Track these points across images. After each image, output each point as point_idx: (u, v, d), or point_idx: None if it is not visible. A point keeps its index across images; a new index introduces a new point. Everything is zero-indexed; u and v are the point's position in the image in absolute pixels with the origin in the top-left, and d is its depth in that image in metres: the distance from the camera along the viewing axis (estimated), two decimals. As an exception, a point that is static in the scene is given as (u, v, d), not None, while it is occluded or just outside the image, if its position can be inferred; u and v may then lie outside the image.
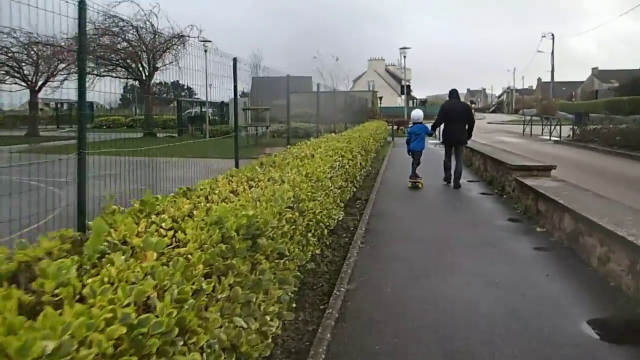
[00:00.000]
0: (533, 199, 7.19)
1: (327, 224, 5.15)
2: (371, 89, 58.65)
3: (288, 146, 8.05)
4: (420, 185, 9.98)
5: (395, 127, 29.87)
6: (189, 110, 32.67)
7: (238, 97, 8.20)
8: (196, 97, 36.73)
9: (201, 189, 3.41)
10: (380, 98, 54.61)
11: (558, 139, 22.62)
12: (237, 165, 6.89)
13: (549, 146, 20.72)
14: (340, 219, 6.18)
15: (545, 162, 9.52)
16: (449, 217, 7.51)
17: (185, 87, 40.95)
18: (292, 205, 3.46)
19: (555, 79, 66.24)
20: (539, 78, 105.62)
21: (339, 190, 6.41)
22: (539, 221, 6.76)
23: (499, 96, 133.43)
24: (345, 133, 10.39)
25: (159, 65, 27.49)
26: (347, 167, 6.91)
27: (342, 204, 6.80)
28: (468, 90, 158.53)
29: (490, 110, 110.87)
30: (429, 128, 10.62)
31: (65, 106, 40.83)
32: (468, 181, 11.04)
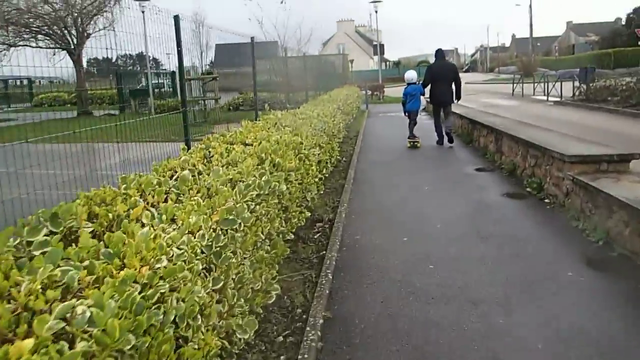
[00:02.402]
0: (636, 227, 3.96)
1: None
2: (342, 52, 54.43)
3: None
4: (418, 145, 10.21)
5: (369, 92, 26.37)
6: (142, 84, 28.46)
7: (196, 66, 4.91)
8: (163, 68, 32.24)
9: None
10: (351, 61, 50.75)
11: (558, 99, 19.52)
12: (188, 147, 4.87)
13: (552, 108, 17.58)
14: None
15: (595, 139, 6.31)
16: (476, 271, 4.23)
17: (151, 58, 36.12)
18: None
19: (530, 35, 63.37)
20: (513, 34, 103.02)
21: (267, 244, 3.07)
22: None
23: (472, 55, 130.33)
24: (298, 111, 6.96)
25: (90, 31, 23.19)
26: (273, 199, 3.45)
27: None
28: (439, 48, 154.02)
29: (464, 69, 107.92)
30: (421, 87, 10.57)
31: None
32: (476, 169, 7.78)
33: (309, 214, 4.54)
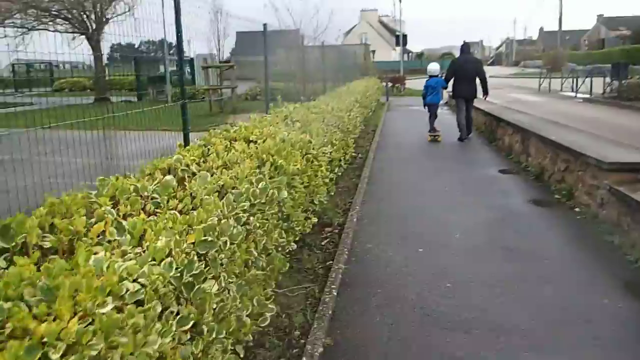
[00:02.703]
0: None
1: None
2: (364, 43, 53.61)
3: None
4: (439, 139, 10.00)
5: (390, 84, 25.77)
6: (161, 71, 28.29)
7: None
8: (187, 56, 32.03)
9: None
10: (373, 52, 49.99)
11: (587, 96, 18.68)
12: (186, 143, 4.48)
13: (581, 106, 16.81)
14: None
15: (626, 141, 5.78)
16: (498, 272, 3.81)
17: (173, 45, 35.81)
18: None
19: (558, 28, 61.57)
20: (541, 27, 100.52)
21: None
22: None
23: (497, 48, 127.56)
24: (312, 104, 6.54)
25: (109, 15, 23.05)
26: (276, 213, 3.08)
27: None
28: (464, 42, 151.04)
29: (488, 62, 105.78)
30: (444, 81, 10.34)
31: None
32: (500, 171, 7.30)
33: (316, 219, 4.17)
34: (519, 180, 6.79)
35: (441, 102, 10.48)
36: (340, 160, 5.77)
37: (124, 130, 4.90)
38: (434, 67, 10.42)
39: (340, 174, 6.25)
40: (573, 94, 20.41)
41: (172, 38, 4.92)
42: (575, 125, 8.66)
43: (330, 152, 4.85)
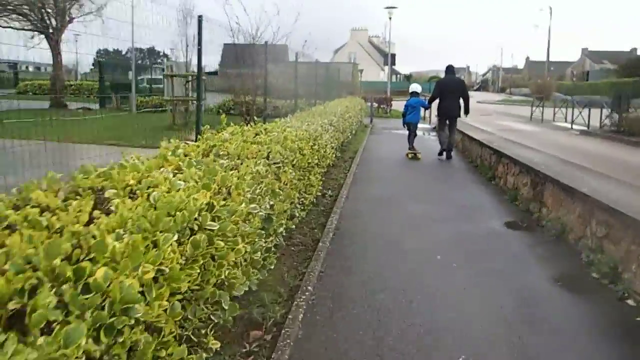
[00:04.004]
0: None
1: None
2: (353, 62, 52.36)
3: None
4: (419, 157, 10.23)
5: (375, 105, 24.27)
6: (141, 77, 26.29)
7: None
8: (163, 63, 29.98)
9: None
10: (361, 71, 48.81)
11: (584, 128, 17.34)
12: None
13: (580, 139, 15.36)
14: None
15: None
16: None
17: (162, 52, 33.67)
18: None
19: (544, 59, 61.49)
20: (527, 57, 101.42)
21: None
22: None
23: (484, 74, 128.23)
24: (266, 127, 4.82)
25: (74, 15, 21.16)
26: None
27: None
28: (449, 64, 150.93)
29: (475, 88, 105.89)
30: (425, 101, 11.22)
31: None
32: (506, 224, 5.66)
33: (232, 319, 2.42)
34: (533, 240, 5.13)
35: (428, 126, 11.36)
36: (287, 213, 4.02)
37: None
38: (416, 86, 11.18)
39: (293, 226, 4.52)
40: (567, 125, 19.11)
41: (141, 42, 3.46)
42: (579, 162, 7.17)
43: (269, 208, 3.12)
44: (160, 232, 1.80)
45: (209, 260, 2.08)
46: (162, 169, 2.58)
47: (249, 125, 4.79)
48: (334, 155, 7.83)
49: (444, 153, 10.25)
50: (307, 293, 3.44)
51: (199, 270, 1.94)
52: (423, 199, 6.88)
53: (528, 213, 6.10)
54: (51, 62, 21.53)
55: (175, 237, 1.82)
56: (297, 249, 4.45)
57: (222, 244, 2.13)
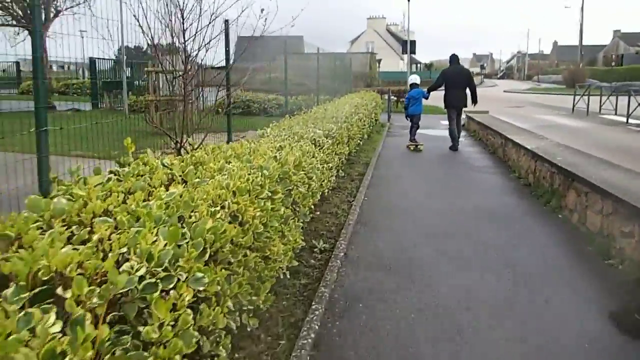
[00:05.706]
0: None
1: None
2: (370, 51, 49.65)
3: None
4: (421, 148, 10.18)
5: (394, 98, 21.78)
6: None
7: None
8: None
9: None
10: (379, 61, 46.26)
11: (644, 122, 14.69)
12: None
13: (642, 138, 12.80)
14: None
15: None
16: None
17: (134, 46, 31.83)
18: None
19: (574, 43, 57.95)
20: (555, 41, 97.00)
21: None
22: None
23: (508, 61, 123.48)
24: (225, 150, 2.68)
25: (60, 8, 19.25)
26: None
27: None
28: (474, 54, 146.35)
29: (499, 76, 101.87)
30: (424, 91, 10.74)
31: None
32: (612, 321, 3.31)
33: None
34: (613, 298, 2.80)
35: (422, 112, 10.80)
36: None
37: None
38: (413, 77, 10.99)
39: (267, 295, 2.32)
40: (618, 118, 16.44)
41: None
42: None
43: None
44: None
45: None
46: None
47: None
48: (329, 185, 5.56)
49: (457, 145, 10.09)
50: None
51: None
52: (469, 264, 4.55)
53: (626, 273, 3.75)
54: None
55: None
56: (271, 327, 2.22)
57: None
